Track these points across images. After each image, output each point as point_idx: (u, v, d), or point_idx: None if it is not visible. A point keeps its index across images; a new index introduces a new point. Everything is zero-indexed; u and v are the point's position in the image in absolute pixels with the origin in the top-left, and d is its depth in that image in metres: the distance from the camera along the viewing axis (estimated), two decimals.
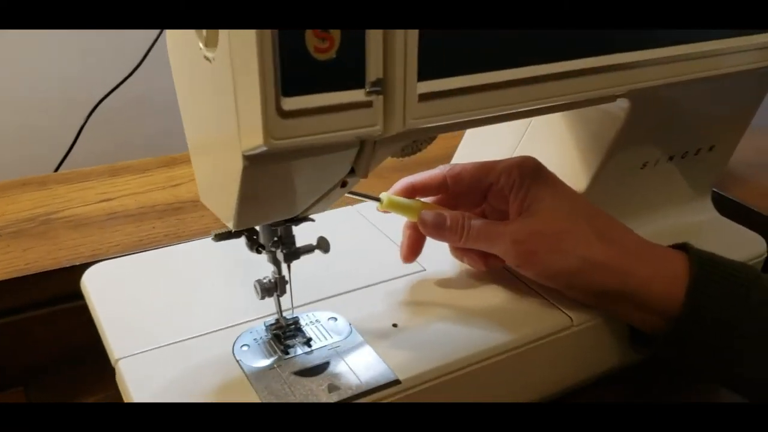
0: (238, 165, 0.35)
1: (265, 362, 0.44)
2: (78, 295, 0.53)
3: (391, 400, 0.43)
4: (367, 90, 0.33)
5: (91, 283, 0.51)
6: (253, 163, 0.35)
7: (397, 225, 0.53)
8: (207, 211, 0.65)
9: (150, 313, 0.49)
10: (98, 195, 0.65)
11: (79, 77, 1.08)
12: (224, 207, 0.39)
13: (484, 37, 0.37)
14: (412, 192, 0.52)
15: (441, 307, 0.50)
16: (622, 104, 0.50)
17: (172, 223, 0.61)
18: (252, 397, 0.41)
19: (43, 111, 1.10)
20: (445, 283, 0.53)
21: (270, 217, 0.42)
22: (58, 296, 0.55)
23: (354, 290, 0.52)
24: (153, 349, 0.45)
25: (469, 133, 0.62)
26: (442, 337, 0.47)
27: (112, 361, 0.45)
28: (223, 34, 0.32)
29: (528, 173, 0.49)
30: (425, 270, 0.55)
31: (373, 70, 0.33)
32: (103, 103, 1.03)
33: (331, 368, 0.44)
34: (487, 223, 0.49)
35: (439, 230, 0.50)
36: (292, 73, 0.31)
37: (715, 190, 0.68)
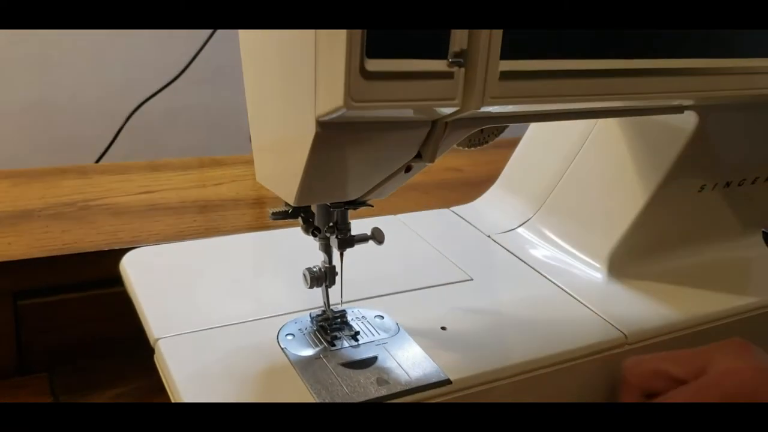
0: (309, 133, 0.34)
1: (311, 352, 0.42)
2: (112, 282, 0.51)
3: (441, 400, 0.41)
4: (450, 60, 0.32)
5: (131, 266, 0.50)
6: (325, 129, 0.33)
7: (444, 237, 0.52)
8: (249, 210, 0.64)
9: (191, 299, 0.47)
10: (139, 187, 0.64)
11: (119, 85, 1.09)
12: (286, 183, 0.38)
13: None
14: None
15: (490, 315, 0.49)
16: (689, 118, 0.49)
17: (213, 218, 0.60)
18: (298, 384, 0.39)
19: (79, 118, 1.11)
20: (493, 292, 0.51)
21: (331, 196, 0.40)
22: (92, 281, 0.54)
23: (400, 292, 0.50)
24: (193, 331, 0.43)
25: (525, 142, 0.61)
26: (492, 344, 0.45)
27: (151, 341, 0.43)
28: None
29: None
30: (473, 279, 0.53)
31: (458, 40, 0.32)
32: (139, 112, 1.03)
33: (380, 363, 0.42)
34: None
35: None
36: (378, 35, 0.30)
37: (764, 230, 0.66)
